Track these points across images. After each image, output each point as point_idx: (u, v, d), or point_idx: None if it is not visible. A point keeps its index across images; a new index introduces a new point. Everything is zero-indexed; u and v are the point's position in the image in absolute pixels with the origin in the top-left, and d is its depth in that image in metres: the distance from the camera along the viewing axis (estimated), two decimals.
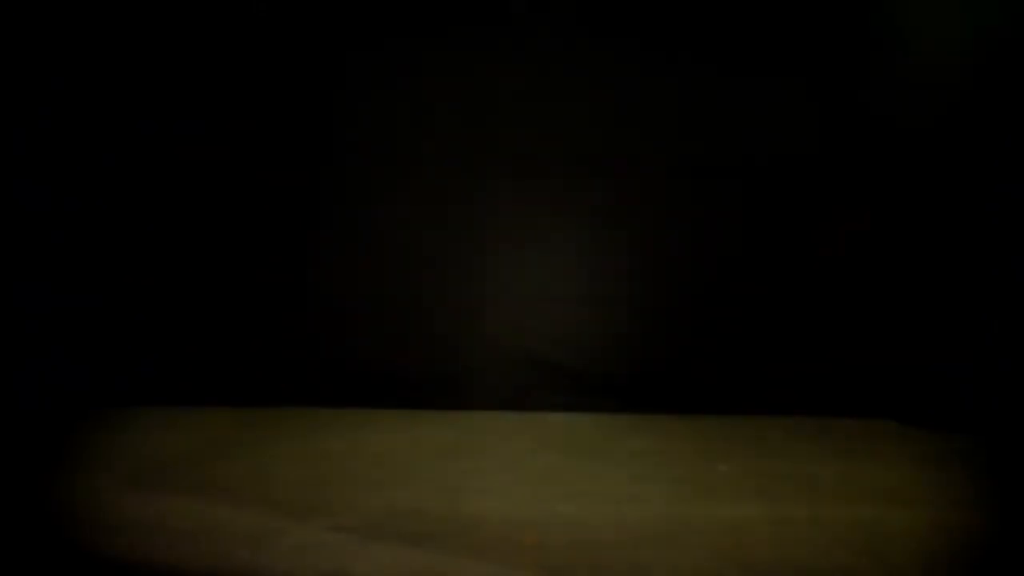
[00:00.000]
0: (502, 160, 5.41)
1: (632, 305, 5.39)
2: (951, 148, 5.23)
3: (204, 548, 2.88)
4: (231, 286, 5.39)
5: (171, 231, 5.35)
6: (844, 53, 5.31)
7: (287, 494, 3.50)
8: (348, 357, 5.38)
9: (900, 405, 5.24)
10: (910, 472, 4.10)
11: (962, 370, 5.04)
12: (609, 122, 5.47)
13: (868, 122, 5.36)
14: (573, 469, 4.05)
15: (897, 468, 4.16)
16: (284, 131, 5.40)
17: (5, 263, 4.98)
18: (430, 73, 5.42)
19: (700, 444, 4.61)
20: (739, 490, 3.74)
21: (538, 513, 3.34)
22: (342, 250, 5.43)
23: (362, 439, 4.59)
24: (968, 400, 4.92)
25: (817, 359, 5.39)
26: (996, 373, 4.92)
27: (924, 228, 5.31)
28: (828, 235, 5.42)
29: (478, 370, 5.45)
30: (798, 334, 5.41)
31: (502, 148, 5.40)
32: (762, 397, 5.35)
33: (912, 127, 5.27)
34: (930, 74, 5.18)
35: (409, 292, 5.44)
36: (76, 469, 3.79)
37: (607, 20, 5.35)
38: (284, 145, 5.40)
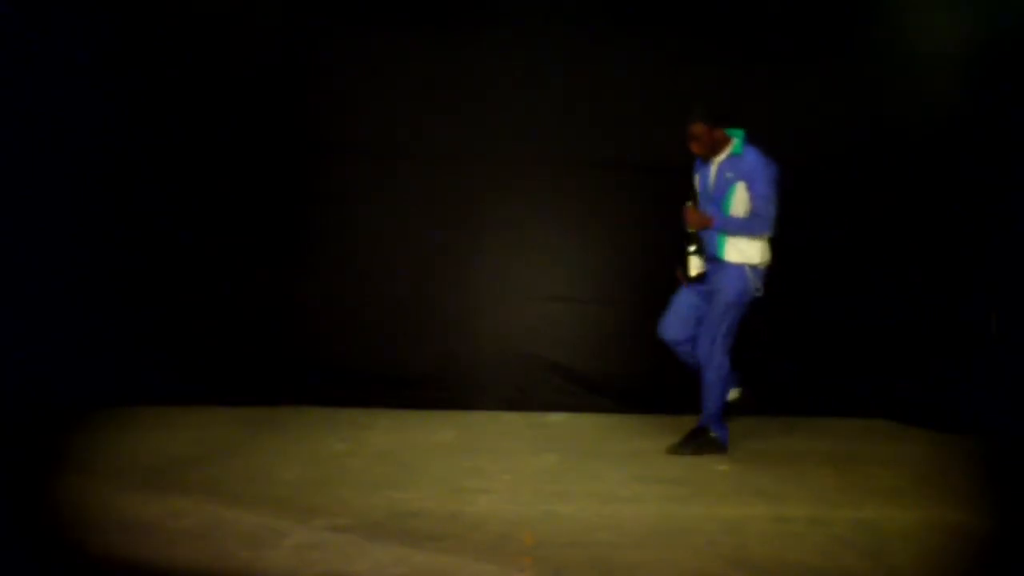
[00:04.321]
0: (502, 160, 5.44)
1: (632, 306, 5.41)
2: (952, 150, 5.24)
3: (204, 548, 2.88)
4: (231, 287, 5.40)
5: (170, 232, 5.36)
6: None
7: (287, 494, 3.50)
8: (348, 357, 5.40)
9: (900, 405, 5.25)
10: (910, 472, 4.12)
11: (962, 370, 5.04)
12: (615, 124, 5.52)
13: (872, 126, 5.37)
14: (573, 469, 4.05)
15: (897, 468, 4.17)
16: (282, 133, 5.41)
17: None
18: (429, 74, 5.43)
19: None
20: (739, 490, 3.74)
21: (538, 513, 3.34)
22: (343, 252, 5.45)
23: (362, 439, 4.60)
24: (968, 400, 4.92)
25: (818, 359, 5.41)
26: (996, 373, 4.93)
27: (924, 229, 5.33)
28: (829, 236, 5.44)
29: (478, 370, 5.47)
30: (798, 335, 5.42)
31: (502, 148, 5.41)
32: (762, 397, 5.37)
33: (914, 130, 5.29)
34: (930, 79, 5.20)
35: (409, 292, 5.45)
36: (76, 469, 3.79)
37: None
38: (282, 148, 5.42)
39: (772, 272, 4.34)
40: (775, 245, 5.32)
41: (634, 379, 5.40)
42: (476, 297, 5.45)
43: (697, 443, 4.36)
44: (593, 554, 2.89)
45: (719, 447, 4.36)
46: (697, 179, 4.47)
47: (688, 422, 4.47)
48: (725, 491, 3.73)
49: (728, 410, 4.42)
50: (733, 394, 4.43)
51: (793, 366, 5.37)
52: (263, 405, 5.22)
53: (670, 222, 5.36)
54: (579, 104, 5.41)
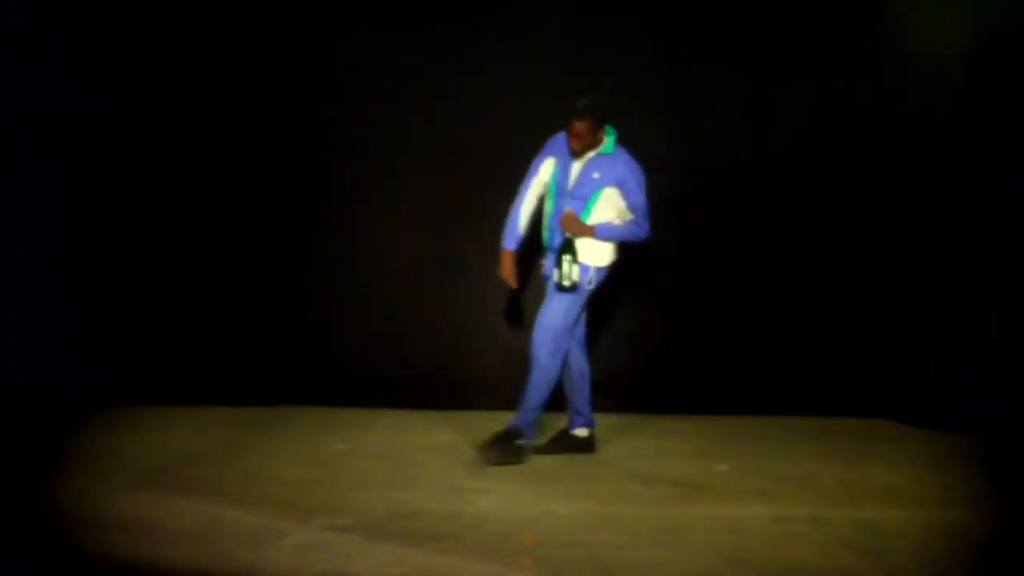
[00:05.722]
0: (502, 160, 5.43)
1: (632, 306, 5.40)
2: (952, 150, 5.23)
3: (204, 548, 2.88)
4: (231, 287, 5.40)
5: (170, 232, 5.36)
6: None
7: (287, 494, 3.50)
8: (348, 357, 5.39)
9: (900, 405, 5.24)
10: (910, 472, 4.11)
11: (962, 370, 5.04)
12: (614, 124, 5.46)
13: (872, 126, 5.36)
14: (573, 469, 4.05)
15: (897, 468, 4.17)
16: (282, 133, 5.40)
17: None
18: (429, 74, 5.43)
19: (700, 444, 4.62)
20: (739, 490, 3.74)
21: (538, 513, 3.34)
22: (343, 251, 5.44)
23: (362, 439, 4.60)
24: (968, 400, 4.92)
25: (818, 359, 5.40)
26: (996, 373, 4.93)
27: (924, 229, 5.32)
28: (829, 236, 5.44)
29: (478, 370, 5.46)
30: (798, 335, 5.42)
31: (502, 148, 5.40)
32: (763, 397, 5.37)
33: (914, 129, 5.28)
34: (930, 79, 5.20)
35: (409, 292, 5.44)
36: (76, 469, 3.79)
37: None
38: (282, 147, 5.41)
39: (619, 269, 4.22)
40: (778, 247, 5.41)
41: (634, 379, 5.39)
42: (476, 297, 5.45)
43: (503, 448, 4.04)
44: (593, 554, 2.89)
45: (521, 454, 4.08)
46: (548, 168, 4.24)
47: (690, 423, 4.47)
48: (725, 491, 3.73)
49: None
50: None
51: (793, 366, 5.37)
52: (263, 405, 5.21)
53: (670, 222, 5.40)
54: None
